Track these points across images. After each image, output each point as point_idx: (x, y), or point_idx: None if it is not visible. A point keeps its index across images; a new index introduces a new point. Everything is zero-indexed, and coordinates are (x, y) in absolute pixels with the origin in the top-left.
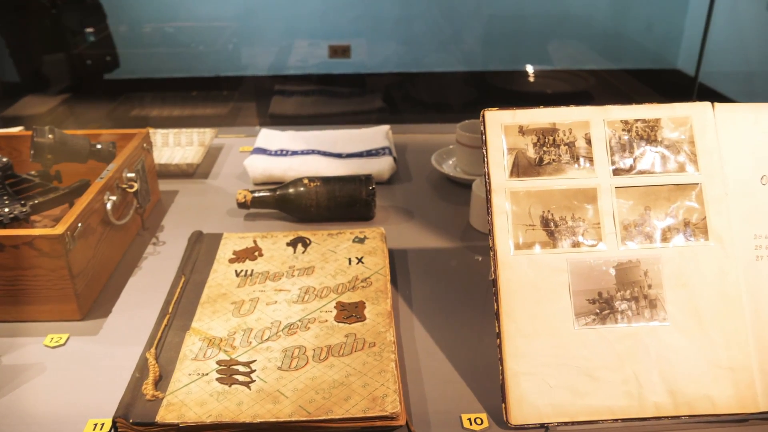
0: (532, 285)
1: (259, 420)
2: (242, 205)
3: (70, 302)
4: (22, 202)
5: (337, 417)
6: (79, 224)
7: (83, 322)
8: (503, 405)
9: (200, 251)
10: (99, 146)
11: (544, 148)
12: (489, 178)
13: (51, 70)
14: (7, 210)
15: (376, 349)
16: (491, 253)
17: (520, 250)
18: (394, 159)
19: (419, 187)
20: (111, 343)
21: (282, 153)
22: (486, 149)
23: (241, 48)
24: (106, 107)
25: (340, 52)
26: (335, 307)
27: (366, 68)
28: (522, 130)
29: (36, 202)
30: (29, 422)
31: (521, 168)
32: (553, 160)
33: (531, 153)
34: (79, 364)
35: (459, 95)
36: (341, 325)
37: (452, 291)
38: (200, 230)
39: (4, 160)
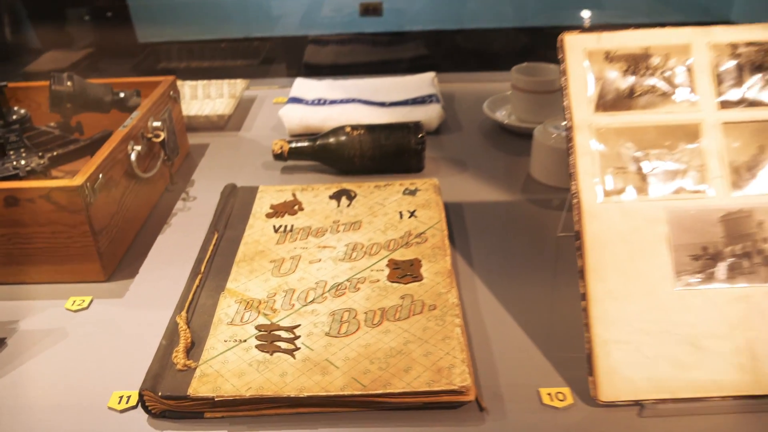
0: (623, 238)
1: (306, 394)
2: (278, 156)
3: (93, 262)
4: (40, 154)
5: (397, 391)
6: (100, 175)
7: (108, 284)
8: (590, 378)
9: (234, 205)
10: (122, 95)
11: (636, 78)
12: (570, 114)
13: (74, 24)
14: (23, 162)
15: (438, 313)
16: (574, 201)
17: (610, 198)
18: (442, 107)
19: (471, 137)
20: (138, 306)
21: (320, 102)
22: (566, 79)
23: (270, 7)
24: (131, 61)
25: (371, 10)
26: (387, 265)
27: (399, 26)
28: (609, 57)
29: (55, 154)
30: (49, 393)
31: (609, 101)
32: (647, 91)
33: (620, 83)
34: (103, 330)
35: (507, 48)
36: (395, 285)
37: (517, 248)
38: (234, 183)
39: (22, 111)
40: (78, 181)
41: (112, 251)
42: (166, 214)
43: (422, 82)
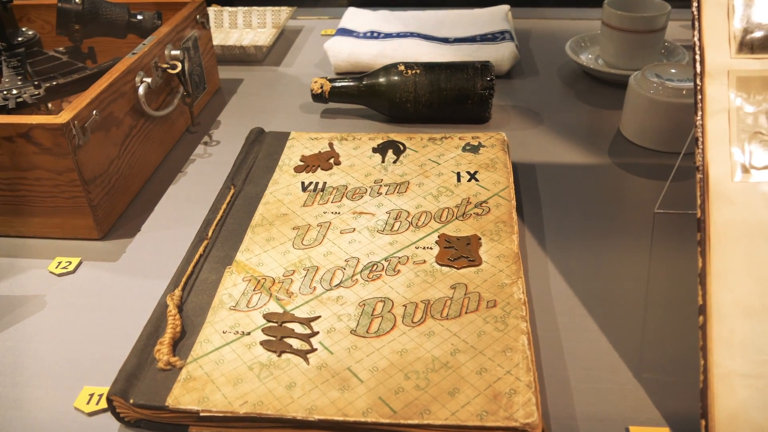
0: (766, 232)
1: (317, 417)
2: (318, 97)
3: (85, 216)
4: (36, 82)
5: (438, 423)
6: (94, 112)
7: (102, 242)
8: (702, 421)
9: (259, 154)
10: (140, 17)
11: None
12: (702, 54)
13: None
14: (15, 92)
15: (498, 312)
16: (698, 176)
17: (749, 175)
18: (516, 46)
19: (549, 83)
20: (132, 273)
21: (372, 35)
22: (699, 6)
23: None
24: None
25: None
26: (437, 241)
27: None
28: None
29: (54, 84)
30: (14, 381)
31: (758, 39)
32: None
33: None
34: (86, 302)
35: None
36: (446, 269)
37: (602, 226)
38: (261, 127)
39: (30, 33)
40: (63, 117)
41: (110, 204)
42: (183, 161)
43: (493, 17)
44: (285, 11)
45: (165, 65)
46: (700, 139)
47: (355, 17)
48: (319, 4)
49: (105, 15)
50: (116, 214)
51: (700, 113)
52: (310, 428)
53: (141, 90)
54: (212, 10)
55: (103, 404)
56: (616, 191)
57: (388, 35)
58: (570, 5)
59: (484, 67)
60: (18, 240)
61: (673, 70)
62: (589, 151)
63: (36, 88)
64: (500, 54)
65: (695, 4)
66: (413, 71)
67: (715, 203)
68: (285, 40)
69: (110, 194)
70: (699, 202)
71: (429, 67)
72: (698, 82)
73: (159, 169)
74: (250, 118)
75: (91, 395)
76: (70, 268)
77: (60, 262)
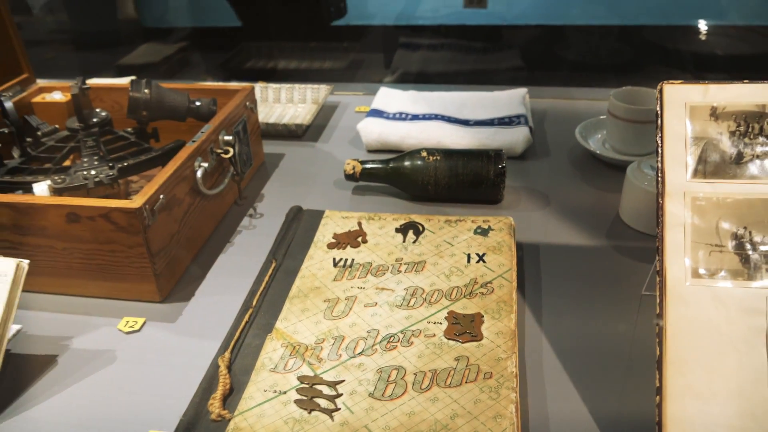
0: (713, 328)
1: None
2: (350, 177)
3: (149, 282)
4: (111, 164)
5: None
6: (161, 196)
7: (162, 305)
8: None
9: (297, 231)
10: (198, 103)
11: (746, 140)
12: (663, 177)
13: (166, 16)
14: (93, 173)
15: (493, 383)
16: (658, 279)
17: (701, 280)
18: (530, 129)
19: (558, 165)
20: (188, 333)
21: (401, 117)
22: (662, 136)
23: None
24: (221, 58)
25: (475, 1)
26: (447, 318)
27: (504, 20)
28: (715, 114)
29: (125, 165)
30: (88, 422)
31: (710, 166)
32: (758, 156)
33: (726, 146)
34: (151, 358)
35: (612, 54)
36: (452, 343)
37: (595, 305)
38: (299, 205)
39: (103, 114)
40: (137, 203)
41: (170, 272)
42: (231, 232)
43: (511, 100)
44: (324, 89)
45: (219, 150)
46: (660, 247)
47: (386, 98)
48: (355, 79)
49: (169, 102)
50: (174, 280)
51: (660, 226)
52: None
53: (199, 174)
54: (258, 86)
55: None
56: (609, 272)
57: (414, 117)
58: (580, 86)
59: (497, 155)
60: (90, 300)
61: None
62: (589, 233)
63: (110, 169)
64: (515, 138)
65: (659, 134)
66: (434, 157)
67: (671, 303)
68: (323, 114)
69: (170, 264)
70: (658, 300)
71: (448, 154)
72: (659, 200)
73: (211, 239)
74: (289, 194)
75: None
76: (136, 327)
77: (128, 321)
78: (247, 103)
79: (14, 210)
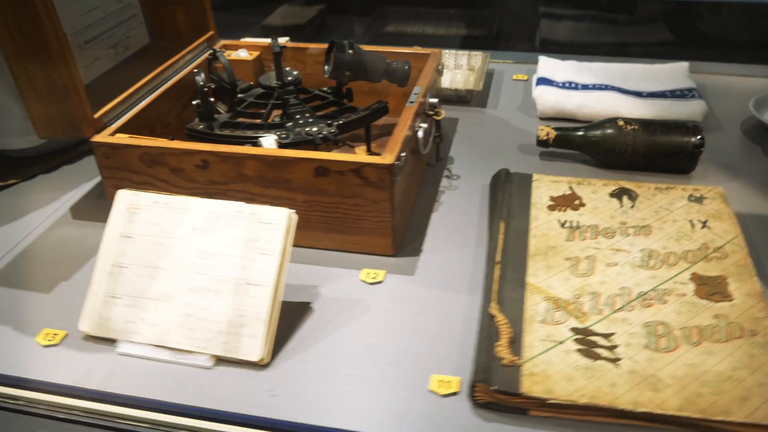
0: None
1: (642, 409)
2: (542, 142)
3: (386, 237)
4: (329, 122)
5: (738, 420)
6: (403, 154)
7: (395, 259)
8: None
9: (512, 193)
10: (394, 65)
11: None
12: None
13: None
14: (315, 129)
15: (761, 340)
16: None
17: None
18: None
19: (735, 138)
20: (429, 286)
21: (571, 86)
22: None
23: None
24: (360, 21)
25: None
26: (692, 278)
27: None
28: None
29: (341, 122)
30: (366, 365)
31: None
32: None
33: None
34: (402, 308)
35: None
36: (705, 302)
37: None
38: (507, 168)
39: (295, 73)
40: (389, 159)
41: (400, 227)
42: (434, 192)
43: (676, 73)
44: (480, 56)
45: (430, 112)
46: None
47: (549, 66)
48: (499, 47)
49: (369, 63)
50: (402, 235)
51: None
52: (632, 418)
53: (420, 134)
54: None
55: (451, 388)
56: None
57: (585, 86)
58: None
59: (695, 127)
60: (322, 252)
61: None
62: None
63: (329, 126)
64: (692, 110)
65: None
66: (632, 127)
67: None
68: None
69: (401, 219)
70: None
71: (645, 124)
72: None
73: (418, 199)
74: (476, 156)
75: (440, 381)
76: (379, 278)
77: (369, 273)
78: (438, 67)
79: (262, 162)
